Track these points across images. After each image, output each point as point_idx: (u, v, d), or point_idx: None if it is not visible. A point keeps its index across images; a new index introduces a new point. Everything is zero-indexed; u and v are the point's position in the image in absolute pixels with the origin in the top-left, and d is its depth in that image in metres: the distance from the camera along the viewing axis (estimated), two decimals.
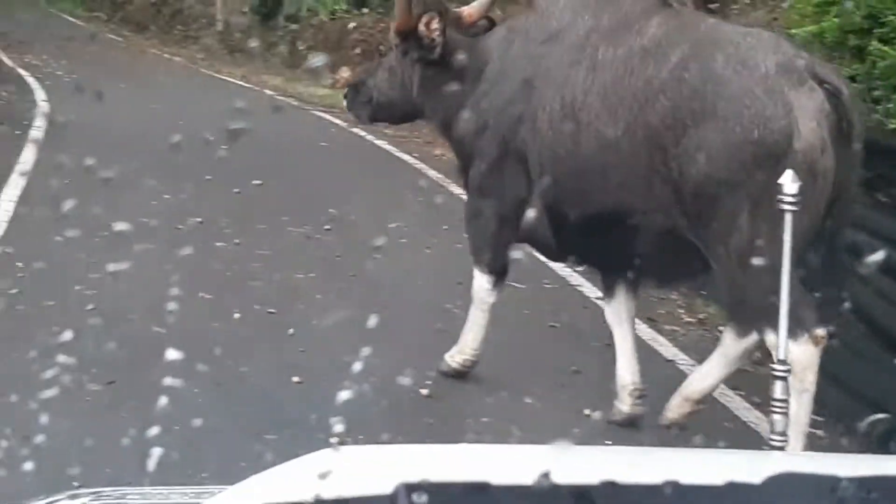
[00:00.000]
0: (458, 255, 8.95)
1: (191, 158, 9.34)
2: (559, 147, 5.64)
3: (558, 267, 8.74)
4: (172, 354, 2.17)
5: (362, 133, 14.31)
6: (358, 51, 20.44)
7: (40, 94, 17.21)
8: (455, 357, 6.43)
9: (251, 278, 7.78)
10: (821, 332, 4.94)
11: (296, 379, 6.11)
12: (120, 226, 7.18)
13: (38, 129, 13.66)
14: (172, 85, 19.48)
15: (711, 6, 9.53)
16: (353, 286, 7.65)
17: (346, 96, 7.04)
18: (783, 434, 3.00)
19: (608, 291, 6.18)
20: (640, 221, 5.36)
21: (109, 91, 18.06)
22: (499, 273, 6.27)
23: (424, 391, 6.05)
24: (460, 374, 6.41)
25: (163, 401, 2.20)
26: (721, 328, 6.16)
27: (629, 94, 5.35)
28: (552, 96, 5.68)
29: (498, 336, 6.80)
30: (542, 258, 8.64)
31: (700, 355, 6.40)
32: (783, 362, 3.08)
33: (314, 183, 11.18)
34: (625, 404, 5.99)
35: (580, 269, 7.74)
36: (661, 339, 7.46)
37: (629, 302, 6.13)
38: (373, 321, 3.80)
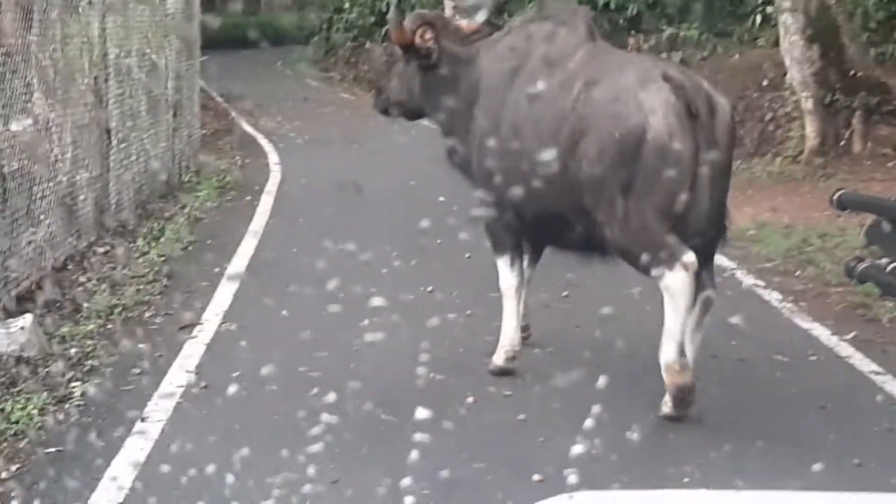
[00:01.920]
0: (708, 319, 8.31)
1: (420, 221, 9.03)
2: (509, 160, 6.48)
3: (823, 336, 7.90)
4: None
5: None
6: None
7: (273, 158, 17.21)
8: (499, 355, 7.06)
9: (485, 354, 7.17)
10: (689, 258, 5.91)
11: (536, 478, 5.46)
12: (350, 296, 6.86)
13: (268, 195, 13.48)
14: (405, 144, 19.23)
15: None
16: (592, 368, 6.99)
17: (372, 97, 8.23)
18: None
19: (531, 263, 7.27)
20: (569, 215, 6.33)
21: (340, 151, 18.08)
22: (511, 255, 7.06)
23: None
24: (507, 371, 7.00)
25: None
26: None
27: (550, 120, 6.34)
28: (506, 116, 6.63)
29: (763, 419, 6.21)
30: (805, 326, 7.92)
31: None
32: None
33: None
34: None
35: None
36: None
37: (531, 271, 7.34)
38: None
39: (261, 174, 15.34)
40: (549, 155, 6.19)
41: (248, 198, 13.21)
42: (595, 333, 7.46)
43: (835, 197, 10.44)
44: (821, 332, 8.05)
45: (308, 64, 40.27)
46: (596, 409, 3.37)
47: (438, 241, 9.77)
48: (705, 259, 6.28)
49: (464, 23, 7.41)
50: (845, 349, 7.59)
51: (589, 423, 3.36)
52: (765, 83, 17.99)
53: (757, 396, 6.56)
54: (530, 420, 6.22)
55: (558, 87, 6.38)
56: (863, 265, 9.25)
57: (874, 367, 7.17)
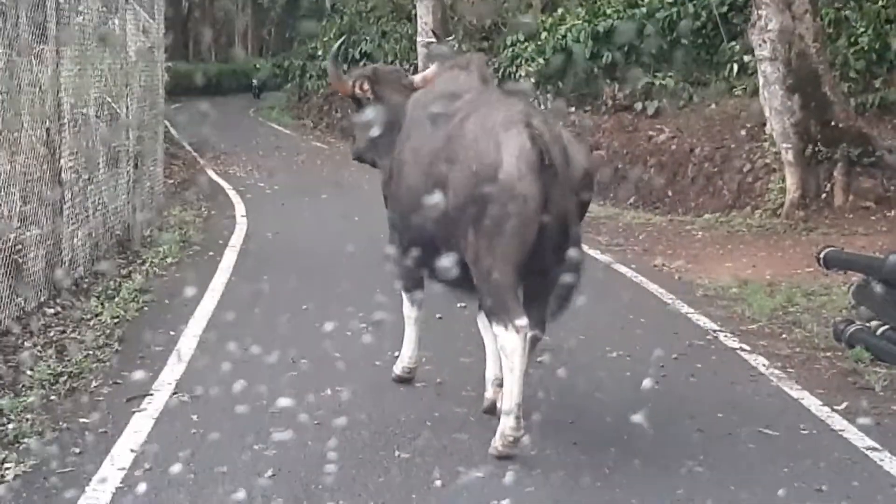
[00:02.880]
0: (692, 388, 7.84)
1: (388, 278, 8.61)
2: (401, 197, 6.95)
3: (814, 406, 7.45)
4: None
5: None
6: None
7: (240, 209, 16.75)
8: (398, 367, 7.74)
9: (457, 430, 6.68)
10: (521, 323, 6.06)
11: None
12: (313, 362, 6.30)
13: (232, 250, 12.98)
14: (376, 194, 18.80)
15: None
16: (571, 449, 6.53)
17: (350, 144, 8.69)
18: None
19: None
20: (447, 250, 6.39)
21: (309, 203, 17.61)
22: (411, 288, 7.48)
23: None
24: (405, 380, 7.70)
25: None
26: None
27: (429, 155, 6.58)
28: (401, 156, 6.99)
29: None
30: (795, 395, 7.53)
31: None
32: None
33: None
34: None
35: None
36: None
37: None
38: None
39: (226, 227, 14.86)
40: (427, 189, 6.45)
41: (211, 253, 12.69)
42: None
43: (820, 255, 10.03)
44: (811, 401, 7.59)
45: (281, 111, 39.99)
46: None
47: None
48: (541, 299, 6.52)
49: (429, 70, 7.81)
50: (838, 421, 7.12)
51: None
52: (742, 133, 17.69)
53: (748, 477, 6.08)
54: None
55: (441, 125, 6.66)
56: (852, 328, 8.82)
57: (870, 441, 6.71)
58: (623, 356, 8.50)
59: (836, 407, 7.41)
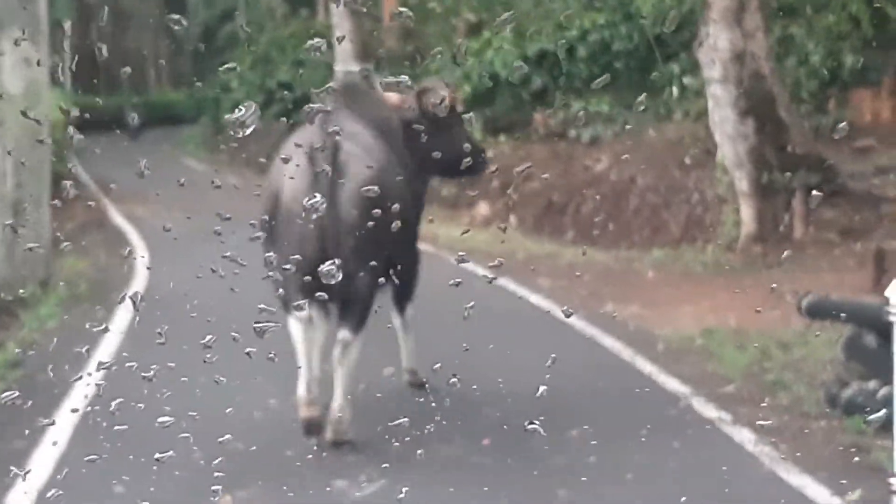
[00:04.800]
0: (672, 476, 6.52)
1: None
2: None
3: (821, 498, 6.14)
4: None
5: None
6: (495, 183, 18.41)
7: (143, 255, 15.18)
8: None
9: None
10: (301, 313, 6.95)
11: None
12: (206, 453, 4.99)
13: (125, 309, 11.41)
14: None
15: None
16: None
17: None
18: None
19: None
20: None
21: (221, 246, 16.07)
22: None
23: None
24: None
25: None
26: None
27: None
28: None
29: None
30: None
31: None
32: None
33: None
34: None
35: None
36: None
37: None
38: None
39: (124, 277, 13.30)
40: None
41: (102, 312, 11.12)
42: None
43: (801, 304, 8.72)
44: (816, 491, 6.31)
45: (196, 146, 38.39)
46: None
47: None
48: (344, 303, 7.14)
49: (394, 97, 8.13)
50: None
51: None
52: (687, 161, 16.42)
53: None
54: None
55: None
56: (848, 392, 7.53)
57: None
58: (586, 433, 7.13)
59: (848, 498, 6.10)
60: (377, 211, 6.81)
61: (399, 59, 25.32)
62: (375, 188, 6.51)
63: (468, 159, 8.52)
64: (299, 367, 7.14)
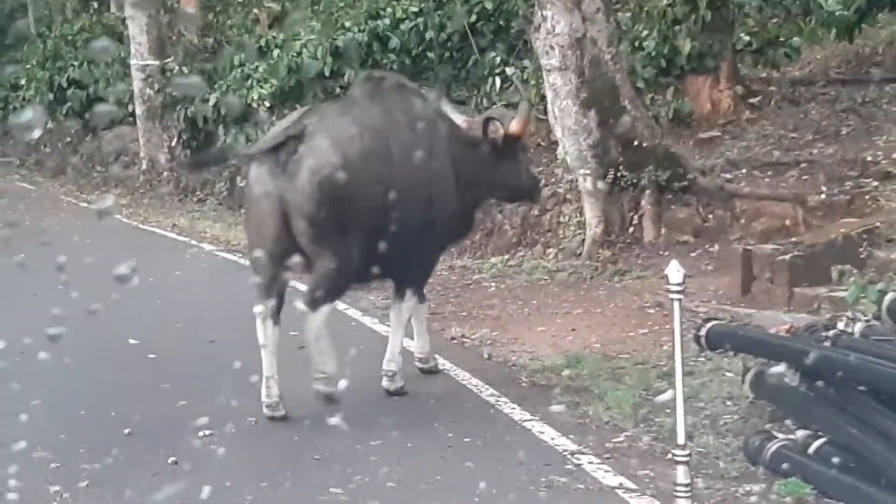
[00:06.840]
0: None
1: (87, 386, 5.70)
2: None
3: None
4: None
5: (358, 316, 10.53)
6: None
7: None
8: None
9: None
10: (258, 308, 7.60)
11: None
12: None
13: None
14: (87, 248, 15.33)
15: None
16: None
17: None
18: None
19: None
20: None
21: (4, 269, 14.07)
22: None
23: None
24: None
25: None
26: None
27: None
28: None
29: None
30: None
31: None
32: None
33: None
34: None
35: None
36: None
37: None
38: None
39: None
40: None
41: None
42: None
43: (701, 334, 7.44)
44: None
45: None
46: None
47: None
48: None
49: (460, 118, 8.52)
50: None
51: None
52: None
53: None
54: None
55: None
56: (774, 445, 6.25)
57: None
58: None
59: None
60: (341, 198, 7.26)
61: (198, 52, 23.50)
62: (339, 176, 7.11)
63: (524, 188, 8.77)
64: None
